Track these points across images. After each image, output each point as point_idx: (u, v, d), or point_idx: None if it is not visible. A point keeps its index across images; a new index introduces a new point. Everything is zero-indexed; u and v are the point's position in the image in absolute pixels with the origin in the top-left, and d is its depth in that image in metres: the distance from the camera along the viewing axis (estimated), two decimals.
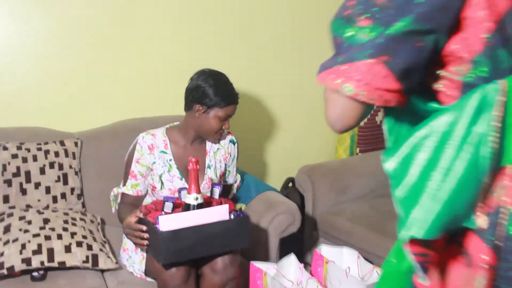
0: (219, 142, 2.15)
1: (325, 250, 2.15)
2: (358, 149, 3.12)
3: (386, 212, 2.53)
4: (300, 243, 2.71)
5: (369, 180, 2.86)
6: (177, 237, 1.70)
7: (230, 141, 2.19)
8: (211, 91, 1.95)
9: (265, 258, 2.19)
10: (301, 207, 2.73)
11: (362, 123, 3.09)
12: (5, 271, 1.78)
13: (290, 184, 2.89)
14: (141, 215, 1.84)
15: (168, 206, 1.82)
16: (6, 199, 2.09)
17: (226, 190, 2.28)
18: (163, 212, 1.81)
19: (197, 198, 1.79)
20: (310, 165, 2.76)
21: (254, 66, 2.92)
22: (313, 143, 3.26)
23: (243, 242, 1.85)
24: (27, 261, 1.80)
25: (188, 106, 2.02)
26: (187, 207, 1.80)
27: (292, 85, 3.09)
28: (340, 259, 2.12)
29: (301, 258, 2.16)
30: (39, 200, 2.14)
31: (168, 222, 1.71)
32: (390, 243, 2.21)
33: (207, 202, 1.96)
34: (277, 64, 3.00)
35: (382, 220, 2.45)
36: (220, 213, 1.81)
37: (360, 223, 2.45)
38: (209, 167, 2.11)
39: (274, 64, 2.99)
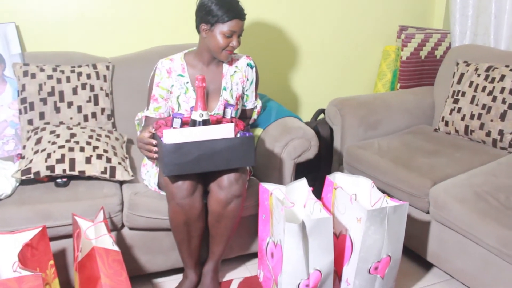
0: (236, 65, 2.17)
1: (339, 177, 2.13)
2: (399, 85, 3.01)
3: (416, 148, 2.44)
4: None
5: (403, 117, 2.76)
6: (180, 150, 1.77)
7: (248, 64, 2.20)
8: (213, 7, 1.98)
9: (280, 182, 2.21)
10: (331, 139, 2.71)
11: (405, 58, 2.97)
12: (32, 175, 1.96)
13: (322, 116, 2.86)
14: (153, 131, 1.93)
15: (177, 122, 1.89)
16: (41, 115, 2.27)
17: (245, 115, 2.32)
18: (172, 128, 1.88)
19: (202, 115, 1.84)
20: (341, 97, 2.70)
21: None
22: (351, 76, 3.17)
23: (248, 160, 1.88)
24: (51, 168, 1.97)
25: (198, 29, 2.05)
26: (193, 123, 1.86)
27: (333, 12, 3.00)
28: (353, 187, 2.11)
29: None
30: (71, 118, 2.30)
31: (172, 136, 1.78)
32: (414, 177, 2.17)
33: (218, 122, 2.01)
34: None
35: (411, 156, 2.37)
36: (225, 131, 1.85)
37: (386, 156, 2.40)
38: (224, 89, 2.15)
39: None
